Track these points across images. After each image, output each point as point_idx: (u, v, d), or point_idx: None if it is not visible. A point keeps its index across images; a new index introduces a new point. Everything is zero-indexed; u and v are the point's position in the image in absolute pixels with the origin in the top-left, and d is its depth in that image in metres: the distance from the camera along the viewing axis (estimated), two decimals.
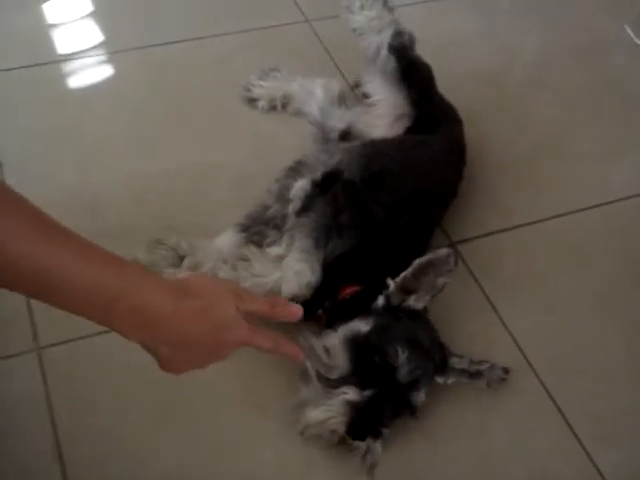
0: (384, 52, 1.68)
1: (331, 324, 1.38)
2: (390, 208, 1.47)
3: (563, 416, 1.45)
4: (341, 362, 1.31)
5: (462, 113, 1.78)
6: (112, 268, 0.90)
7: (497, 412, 1.44)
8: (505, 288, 1.62)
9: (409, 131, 1.68)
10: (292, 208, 1.48)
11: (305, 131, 1.80)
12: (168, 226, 1.53)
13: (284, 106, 1.87)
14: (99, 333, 1.41)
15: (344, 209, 1.45)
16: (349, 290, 1.41)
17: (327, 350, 1.32)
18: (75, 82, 1.88)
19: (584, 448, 1.42)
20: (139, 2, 2.10)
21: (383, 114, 1.71)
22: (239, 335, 1.01)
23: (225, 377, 1.40)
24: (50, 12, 2.02)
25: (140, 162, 1.72)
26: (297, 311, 1.09)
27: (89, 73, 1.90)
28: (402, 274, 1.35)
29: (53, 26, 1.99)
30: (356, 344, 1.32)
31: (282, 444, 1.34)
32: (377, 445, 1.27)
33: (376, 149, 1.60)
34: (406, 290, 1.36)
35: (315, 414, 1.28)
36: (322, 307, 1.42)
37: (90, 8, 2.06)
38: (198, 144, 1.77)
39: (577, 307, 1.62)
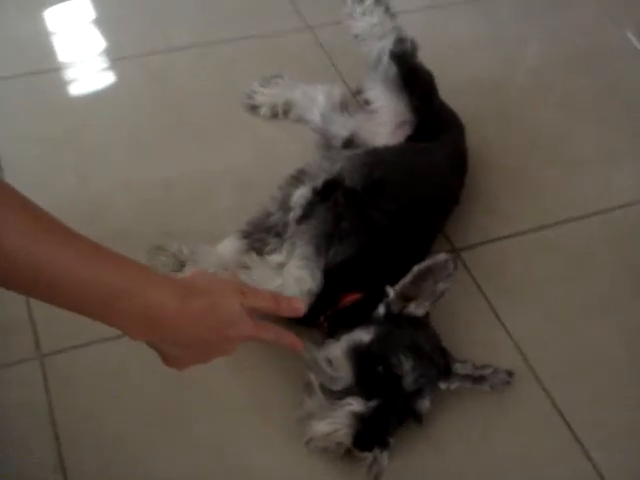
0: (386, 59, 1.68)
1: (333, 332, 1.38)
2: (391, 215, 1.47)
3: (566, 422, 1.45)
4: (344, 373, 1.30)
5: (464, 119, 1.78)
6: (113, 265, 0.89)
7: (500, 419, 1.43)
8: (507, 294, 1.62)
9: (411, 138, 1.68)
10: (293, 215, 1.48)
11: (307, 138, 1.80)
12: (169, 232, 1.53)
13: (286, 113, 1.86)
14: (102, 340, 1.42)
15: (345, 216, 1.45)
16: (351, 297, 1.41)
17: (330, 361, 1.31)
18: (76, 89, 1.88)
19: (587, 454, 1.41)
20: (141, 9, 2.10)
21: (385, 121, 1.70)
22: (243, 331, 1.01)
23: (228, 386, 1.40)
24: (51, 19, 2.02)
25: (141, 168, 1.72)
26: (301, 306, 1.09)
27: (90, 80, 1.90)
28: (401, 281, 1.35)
29: (54, 33, 1.99)
30: (359, 354, 1.31)
31: (285, 453, 1.34)
32: (384, 455, 1.27)
33: (378, 157, 1.60)
34: (406, 297, 1.36)
35: (321, 427, 1.27)
36: (324, 314, 1.42)
37: (92, 15, 2.06)
38: (199, 151, 1.77)
39: (579, 313, 1.62)
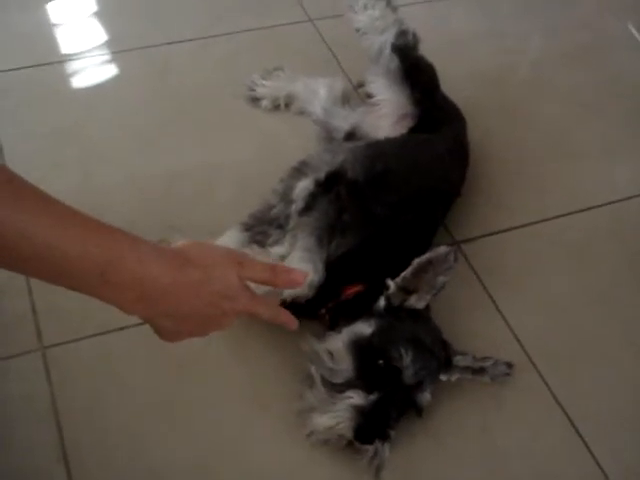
0: (387, 52, 1.68)
1: (335, 324, 1.39)
2: (393, 207, 1.47)
3: (566, 415, 1.45)
4: (345, 366, 1.30)
5: (465, 112, 1.78)
6: (99, 234, 0.85)
7: (500, 411, 1.44)
8: (508, 287, 1.62)
9: (413, 131, 1.68)
10: (295, 208, 1.48)
11: (309, 130, 1.80)
12: (171, 225, 1.53)
13: (287, 105, 1.87)
14: (104, 332, 1.42)
15: (347, 208, 1.45)
16: (352, 289, 1.41)
17: (331, 354, 1.32)
18: (78, 82, 1.88)
19: (587, 446, 1.42)
20: (142, 2, 2.10)
21: (387, 114, 1.71)
22: (241, 304, 0.97)
23: (229, 378, 1.40)
24: (53, 12, 2.02)
25: (143, 162, 1.72)
26: (301, 278, 1.02)
27: (92, 73, 1.90)
28: (402, 274, 1.35)
29: (56, 26, 1.99)
30: (360, 347, 1.31)
31: (285, 445, 1.34)
32: (385, 447, 1.27)
33: (380, 149, 1.60)
34: (407, 290, 1.36)
35: (322, 420, 1.27)
36: (325, 306, 1.42)
37: (93, 8, 2.06)
38: (201, 143, 1.77)
39: (580, 306, 1.62)
